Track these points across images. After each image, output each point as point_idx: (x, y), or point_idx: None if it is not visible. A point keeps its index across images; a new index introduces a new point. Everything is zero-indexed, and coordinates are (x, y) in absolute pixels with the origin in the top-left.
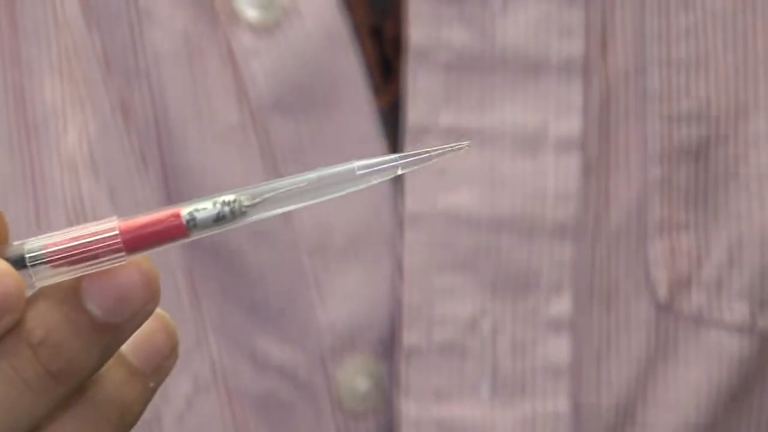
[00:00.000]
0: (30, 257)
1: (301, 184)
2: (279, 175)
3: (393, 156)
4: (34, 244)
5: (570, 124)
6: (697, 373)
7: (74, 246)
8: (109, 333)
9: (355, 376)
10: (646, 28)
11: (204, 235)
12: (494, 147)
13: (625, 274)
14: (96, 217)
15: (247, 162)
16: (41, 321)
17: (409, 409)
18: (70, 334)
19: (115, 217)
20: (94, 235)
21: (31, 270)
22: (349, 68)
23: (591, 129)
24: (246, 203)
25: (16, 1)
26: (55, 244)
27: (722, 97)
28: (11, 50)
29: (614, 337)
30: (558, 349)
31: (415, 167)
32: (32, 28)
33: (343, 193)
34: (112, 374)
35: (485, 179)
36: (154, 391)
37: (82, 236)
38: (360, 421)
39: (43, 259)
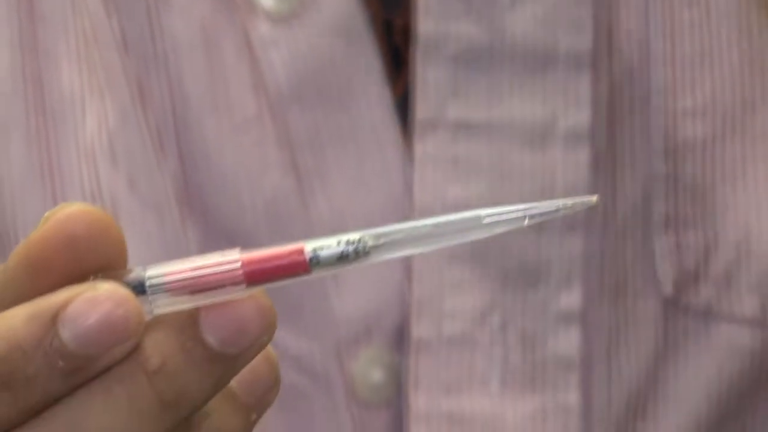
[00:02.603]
0: (150, 284)
1: (427, 229)
2: (295, 165)
3: (518, 207)
4: (154, 271)
5: (579, 117)
6: (707, 367)
7: (195, 276)
8: (224, 364)
9: (371, 368)
10: (650, 23)
11: (325, 273)
12: (503, 140)
13: (632, 269)
14: (114, 205)
15: (263, 152)
16: (158, 349)
17: (418, 402)
18: (186, 364)
19: (237, 250)
20: (217, 266)
21: (150, 297)
22: (366, 59)
23: (599, 123)
24: (370, 243)
25: None
26: (176, 273)
27: (728, 93)
28: (29, 38)
29: (623, 330)
30: (568, 342)
31: (543, 219)
32: (50, 15)
33: (468, 240)
34: (218, 406)
35: (494, 172)
36: (254, 423)
37: (203, 266)
38: (374, 412)
39: (163, 286)
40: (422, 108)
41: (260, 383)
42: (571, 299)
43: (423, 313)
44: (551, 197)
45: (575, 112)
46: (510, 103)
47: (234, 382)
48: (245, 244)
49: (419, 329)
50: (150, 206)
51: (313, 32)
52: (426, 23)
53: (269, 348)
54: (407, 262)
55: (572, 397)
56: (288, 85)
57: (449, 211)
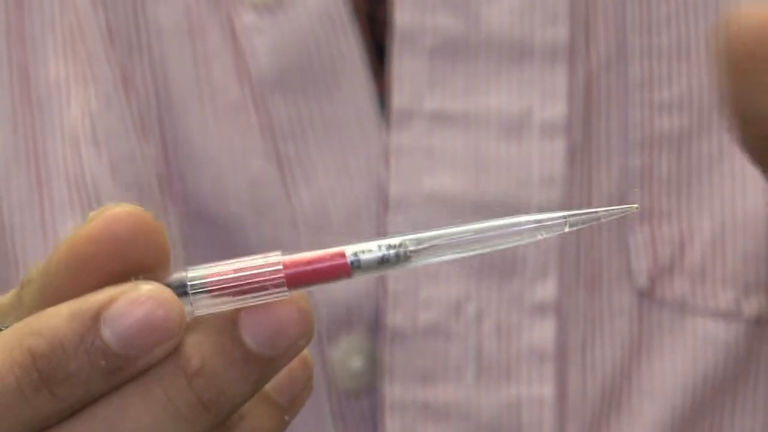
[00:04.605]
0: (192, 285)
1: (468, 235)
2: (278, 152)
3: (560, 214)
4: (196, 273)
5: (555, 109)
6: (683, 360)
7: (237, 278)
8: (262, 366)
9: (350, 356)
10: (627, 16)
11: (366, 277)
12: (479, 131)
13: (608, 261)
14: (96, 189)
15: (246, 139)
16: (198, 350)
17: (393, 391)
18: (225, 365)
19: (279, 253)
20: (258, 269)
21: (191, 299)
22: (349, 49)
23: (575, 114)
24: (411, 248)
25: None
26: (217, 275)
27: (705, 87)
28: (16, 27)
29: (599, 323)
30: (543, 333)
31: (583, 225)
32: (37, 4)
33: (509, 246)
34: (253, 407)
35: (470, 163)
36: (287, 424)
37: (245, 268)
38: (354, 400)
39: (205, 288)
40: (398, 99)
41: (295, 385)
42: (546, 291)
43: (398, 303)
44: (527, 188)
45: (551, 104)
46: (486, 94)
47: (268, 385)
48: (226, 231)
49: (394, 319)
50: (132, 191)
51: (297, 21)
52: (402, 15)
53: (305, 350)
54: None
55: (547, 389)
56: (271, 73)
57: (424, 201)
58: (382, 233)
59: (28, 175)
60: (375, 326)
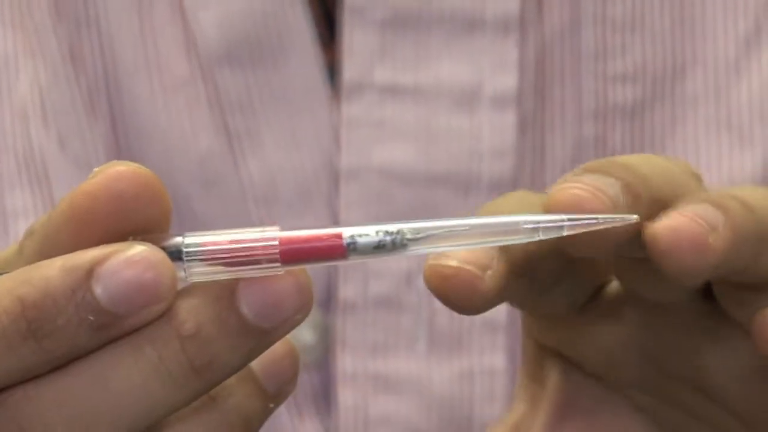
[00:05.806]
0: (187, 251)
1: (465, 228)
2: (226, 126)
3: (561, 216)
4: (192, 240)
5: (505, 81)
6: None
7: (232, 249)
8: (256, 337)
9: (300, 329)
10: None
11: (361, 260)
12: (430, 103)
13: None
14: (44, 164)
15: (194, 113)
16: (194, 315)
17: (345, 363)
18: (220, 332)
19: (277, 227)
20: (254, 242)
21: (185, 264)
22: (297, 22)
23: (527, 86)
24: (408, 236)
25: None
26: (213, 243)
27: (658, 57)
28: None
29: None
30: None
31: (583, 230)
32: None
33: (506, 243)
34: (242, 386)
35: (421, 135)
36: (271, 412)
37: (241, 240)
38: (304, 373)
39: (200, 255)
40: (350, 71)
41: (282, 375)
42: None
43: (350, 274)
44: (478, 160)
45: (502, 76)
46: (437, 66)
47: (259, 369)
48: (176, 205)
49: (346, 290)
50: (81, 166)
51: None
52: None
53: (292, 343)
54: (335, 218)
55: (498, 360)
56: (219, 46)
57: (375, 173)
58: (333, 205)
59: None
60: (326, 299)
